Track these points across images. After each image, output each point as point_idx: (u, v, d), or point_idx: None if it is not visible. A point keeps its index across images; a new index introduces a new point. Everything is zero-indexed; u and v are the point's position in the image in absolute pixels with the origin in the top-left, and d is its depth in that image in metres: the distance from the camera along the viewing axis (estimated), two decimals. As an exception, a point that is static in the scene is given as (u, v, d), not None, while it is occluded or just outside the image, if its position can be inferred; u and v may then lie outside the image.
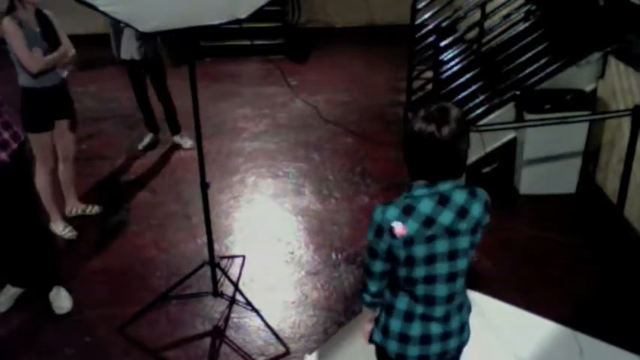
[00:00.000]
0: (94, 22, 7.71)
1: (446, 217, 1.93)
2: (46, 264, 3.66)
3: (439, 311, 2.06)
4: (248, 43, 7.20)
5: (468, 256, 2.03)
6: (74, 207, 4.62)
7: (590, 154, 4.77)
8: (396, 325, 2.09)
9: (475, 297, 3.59)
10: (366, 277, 2.09)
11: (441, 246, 1.96)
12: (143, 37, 5.22)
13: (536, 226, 4.39)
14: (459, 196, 1.95)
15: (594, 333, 3.29)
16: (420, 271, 1.98)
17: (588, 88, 4.74)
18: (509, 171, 4.94)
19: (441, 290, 2.03)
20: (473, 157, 4.66)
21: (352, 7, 9.00)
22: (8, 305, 3.67)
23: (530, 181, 4.75)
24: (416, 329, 2.07)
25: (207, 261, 3.62)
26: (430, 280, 2.00)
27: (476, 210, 1.98)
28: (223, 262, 3.98)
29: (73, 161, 4.49)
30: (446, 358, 2.15)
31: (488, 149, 4.56)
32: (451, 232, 1.96)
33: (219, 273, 3.67)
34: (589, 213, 4.56)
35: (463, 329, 2.17)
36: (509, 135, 4.84)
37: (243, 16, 3.10)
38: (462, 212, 1.96)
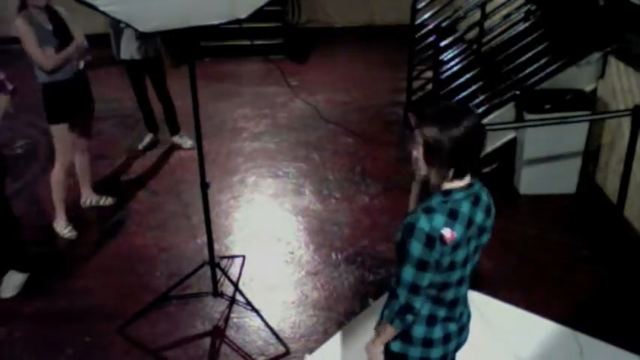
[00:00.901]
0: (94, 22, 7.69)
1: (479, 216, 1.97)
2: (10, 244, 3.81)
3: (458, 310, 2.10)
4: (248, 43, 7.19)
5: (480, 252, 2.06)
6: (89, 197, 4.73)
7: (590, 154, 4.77)
8: (420, 331, 2.06)
9: (475, 297, 3.59)
10: (410, 295, 1.94)
11: (472, 245, 1.98)
12: (143, 37, 5.22)
13: (536, 226, 4.39)
14: (484, 195, 2.00)
15: (594, 333, 3.29)
16: (456, 275, 1.97)
17: (588, 88, 4.74)
18: (509, 171, 4.94)
19: (464, 290, 2.07)
20: (473, 157, 4.65)
21: (352, 7, 9.00)
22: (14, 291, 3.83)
23: (530, 181, 4.75)
24: (438, 332, 2.07)
25: (207, 261, 3.62)
26: (461, 282, 2.02)
27: (493, 207, 2.04)
28: (223, 262, 3.98)
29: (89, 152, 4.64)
30: (455, 353, 2.19)
31: (489, 149, 4.56)
32: (480, 230, 1.99)
33: (219, 273, 3.67)
34: (589, 213, 4.56)
35: (469, 319, 2.21)
36: (509, 135, 4.84)
37: (243, 16, 3.10)
38: (488, 210, 2.01)
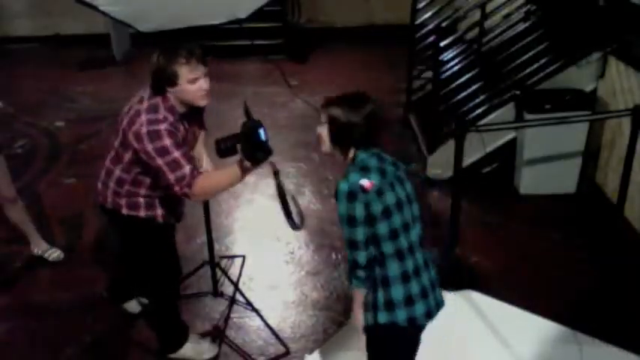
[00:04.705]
0: (94, 22, 7.71)
1: (388, 167, 2.27)
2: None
3: (419, 258, 2.28)
4: (248, 43, 7.17)
5: (417, 201, 2.33)
6: (36, 247, 4.13)
7: (590, 154, 4.77)
8: (398, 292, 2.21)
9: (475, 297, 3.59)
10: (352, 252, 2.19)
11: (400, 191, 2.25)
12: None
13: (536, 226, 4.39)
14: (385, 155, 2.32)
15: (594, 333, 3.29)
16: (397, 219, 2.20)
17: (588, 88, 4.73)
18: (509, 171, 4.94)
19: (413, 235, 2.25)
20: (473, 157, 4.65)
21: (352, 7, 8.98)
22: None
23: (530, 181, 4.75)
24: (415, 287, 2.23)
25: (207, 261, 3.62)
26: (406, 227, 2.24)
27: (399, 163, 2.35)
28: (223, 262, 3.98)
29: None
30: (437, 312, 2.33)
31: (488, 149, 4.56)
32: (399, 179, 2.27)
33: (219, 273, 3.67)
34: (589, 213, 4.55)
35: (437, 282, 2.37)
36: (509, 135, 4.84)
37: (243, 15, 3.11)
38: (394, 163, 2.32)
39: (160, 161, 2.60)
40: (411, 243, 2.25)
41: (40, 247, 4.12)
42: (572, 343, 3.25)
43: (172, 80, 2.62)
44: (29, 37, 8.69)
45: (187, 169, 2.61)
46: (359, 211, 2.14)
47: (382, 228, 2.17)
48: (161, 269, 3.10)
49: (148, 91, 2.73)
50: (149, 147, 2.60)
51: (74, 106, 6.75)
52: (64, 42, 8.55)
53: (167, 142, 2.60)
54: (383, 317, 2.23)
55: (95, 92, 7.11)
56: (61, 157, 5.62)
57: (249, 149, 2.59)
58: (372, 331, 2.31)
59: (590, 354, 3.19)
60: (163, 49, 2.63)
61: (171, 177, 2.61)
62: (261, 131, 2.60)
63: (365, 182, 2.15)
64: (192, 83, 2.66)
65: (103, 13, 2.77)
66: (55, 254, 4.12)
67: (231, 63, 8.03)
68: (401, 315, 2.22)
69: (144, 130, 2.60)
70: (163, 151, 2.59)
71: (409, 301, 2.21)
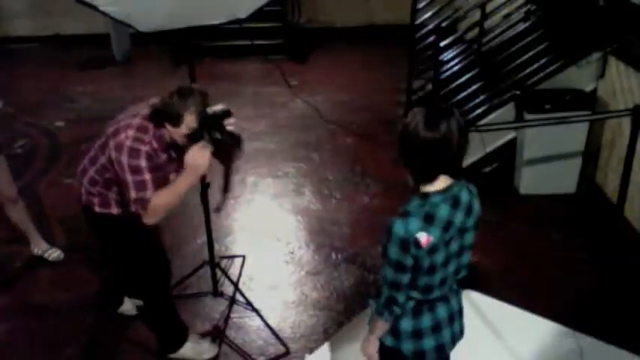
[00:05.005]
0: (94, 22, 7.72)
1: (458, 217, 1.97)
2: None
3: (442, 292, 2.11)
4: (248, 43, 7.17)
5: (470, 250, 2.08)
6: (36, 247, 4.14)
7: (590, 154, 4.77)
8: (407, 324, 2.10)
9: (475, 297, 3.59)
10: (393, 291, 2.00)
11: (454, 246, 2.00)
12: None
13: (536, 226, 4.39)
14: (465, 195, 1.99)
15: (594, 333, 3.29)
16: (437, 276, 2.01)
17: (588, 88, 4.74)
18: (509, 171, 4.94)
19: (447, 286, 2.10)
20: (473, 157, 4.66)
21: (352, 7, 8.99)
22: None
23: (530, 181, 4.75)
24: (427, 321, 2.10)
25: (207, 261, 3.62)
26: (444, 282, 2.05)
27: (477, 205, 2.04)
28: (223, 262, 3.98)
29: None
30: (453, 346, 2.20)
31: (488, 149, 4.56)
32: (462, 231, 2.00)
33: (219, 273, 3.67)
34: (589, 213, 4.56)
35: (461, 313, 2.22)
36: (509, 135, 4.84)
37: (243, 15, 3.11)
38: (469, 210, 2.01)
39: (129, 177, 2.66)
40: (443, 294, 2.10)
41: (40, 247, 4.12)
42: (572, 343, 3.26)
43: (175, 121, 2.66)
44: (29, 37, 8.69)
45: (149, 193, 2.66)
46: (409, 261, 1.93)
47: (420, 281, 2.00)
48: (146, 266, 3.10)
49: (146, 110, 2.78)
50: (124, 160, 2.66)
51: (74, 106, 6.75)
52: (64, 42, 8.56)
53: (143, 163, 2.67)
54: (389, 340, 2.14)
55: (95, 92, 7.11)
56: (61, 157, 5.62)
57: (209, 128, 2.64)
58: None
59: (590, 354, 3.19)
60: (180, 89, 2.68)
61: (133, 195, 2.67)
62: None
63: (422, 237, 1.89)
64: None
65: (103, 13, 2.77)
66: (55, 254, 4.12)
67: (231, 63, 8.04)
68: (407, 346, 2.11)
69: (127, 143, 2.67)
70: (136, 170, 2.66)
71: (417, 334, 2.11)
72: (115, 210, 2.94)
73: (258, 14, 3.19)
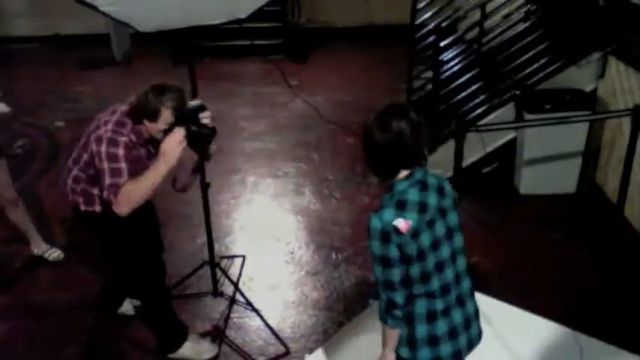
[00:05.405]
0: (94, 22, 7.71)
1: (432, 198, 2.03)
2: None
3: (453, 294, 2.08)
4: (248, 43, 7.17)
5: (460, 232, 2.10)
6: (36, 247, 4.14)
7: (590, 154, 4.77)
8: (422, 330, 2.05)
9: (475, 297, 3.59)
10: (388, 292, 1.99)
11: (440, 227, 2.03)
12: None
13: (536, 226, 4.39)
14: (431, 179, 2.06)
15: (594, 333, 3.29)
16: (430, 261, 2.00)
17: (588, 88, 4.73)
18: (509, 171, 4.94)
19: (449, 274, 2.06)
20: (473, 157, 4.65)
21: (352, 7, 8.98)
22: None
23: (530, 181, 4.75)
24: (442, 327, 2.07)
25: (207, 261, 3.62)
26: (440, 267, 2.04)
27: (447, 186, 2.10)
28: (223, 262, 3.99)
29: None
30: (469, 352, 2.16)
31: (488, 149, 4.56)
32: (442, 211, 2.05)
33: (219, 273, 3.67)
34: (589, 213, 4.56)
35: (477, 316, 2.19)
36: (509, 135, 4.84)
37: (243, 15, 3.11)
38: (440, 190, 2.07)
39: (105, 165, 2.70)
40: (446, 283, 2.05)
41: (40, 247, 4.13)
42: (572, 343, 3.25)
43: (153, 117, 2.72)
44: (29, 37, 8.68)
45: (122, 180, 2.68)
46: (393, 252, 1.94)
47: (414, 270, 1.99)
48: (135, 264, 3.11)
49: (125, 107, 2.84)
50: (103, 149, 2.72)
51: (74, 106, 6.74)
52: (64, 42, 8.55)
53: (120, 151, 2.72)
54: (404, 353, 2.09)
55: (95, 92, 7.10)
56: (61, 157, 5.61)
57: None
58: None
59: (590, 354, 3.19)
60: (155, 87, 2.74)
61: (107, 181, 2.70)
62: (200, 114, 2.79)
63: (400, 223, 1.94)
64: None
65: (103, 13, 2.77)
66: (55, 254, 4.12)
67: (231, 63, 8.03)
68: (424, 354, 2.07)
69: (107, 135, 2.74)
70: (113, 158, 2.70)
71: (433, 340, 2.06)
72: (98, 208, 2.96)
73: (258, 14, 3.20)
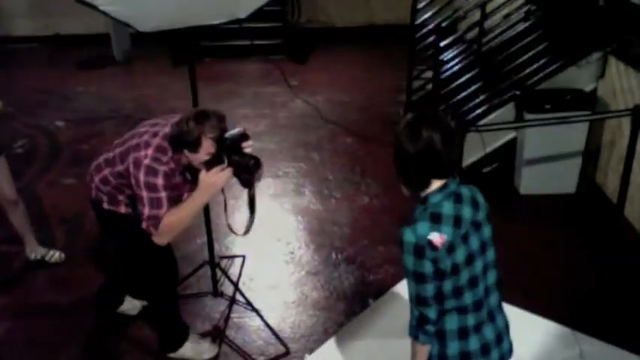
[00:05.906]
0: (94, 22, 7.72)
1: (466, 211, 1.95)
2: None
3: (485, 310, 2.04)
4: (248, 43, 7.18)
5: (492, 245, 2.05)
6: (33, 251, 4.09)
7: (590, 154, 4.77)
8: (453, 347, 2.00)
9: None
10: (421, 307, 1.93)
11: (474, 242, 1.97)
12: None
13: (536, 226, 4.39)
14: (465, 190, 1.99)
15: (594, 333, 3.29)
16: (464, 276, 1.95)
17: (588, 88, 4.74)
18: (509, 171, 4.94)
19: (481, 288, 2.02)
20: (473, 157, 4.65)
21: (352, 7, 8.99)
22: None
23: (530, 181, 4.75)
24: (474, 343, 2.01)
25: (207, 261, 3.62)
26: (473, 282, 1.98)
27: (481, 198, 2.03)
28: (223, 262, 3.99)
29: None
30: None
31: (488, 149, 4.56)
32: (476, 225, 1.98)
33: (219, 273, 3.67)
34: (589, 213, 4.56)
35: (508, 330, 2.15)
36: (509, 135, 4.84)
37: (243, 15, 3.11)
38: (474, 203, 2.00)
39: (144, 193, 2.68)
40: (478, 298, 2.00)
41: (37, 251, 4.08)
42: (572, 343, 3.25)
43: (194, 148, 2.64)
44: (29, 37, 8.69)
45: (162, 212, 2.67)
46: (427, 267, 1.87)
47: (446, 285, 1.92)
48: (154, 266, 3.10)
49: (167, 129, 2.76)
50: (142, 177, 2.68)
51: (74, 106, 6.75)
52: (64, 42, 8.55)
53: (160, 181, 2.68)
54: None
55: (95, 92, 7.10)
56: (61, 157, 5.62)
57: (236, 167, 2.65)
58: None
59: (590, 354, 3.19)
60: (196, 114, 2.67)
61: (146, 211, 2.68)
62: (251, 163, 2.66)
63: (435, 237, 1.86)
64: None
65: (103, 13, 2.77)
66: (55, 256, 4.10)
67: (231, 63, 8.03)
68: None
69: (146, 161, 2.68)
70: (153, 188, 2.68)
71: (465, 356, 2.01)
72: (123, 209, 2.96)
73: (258, 14, 3.20)
